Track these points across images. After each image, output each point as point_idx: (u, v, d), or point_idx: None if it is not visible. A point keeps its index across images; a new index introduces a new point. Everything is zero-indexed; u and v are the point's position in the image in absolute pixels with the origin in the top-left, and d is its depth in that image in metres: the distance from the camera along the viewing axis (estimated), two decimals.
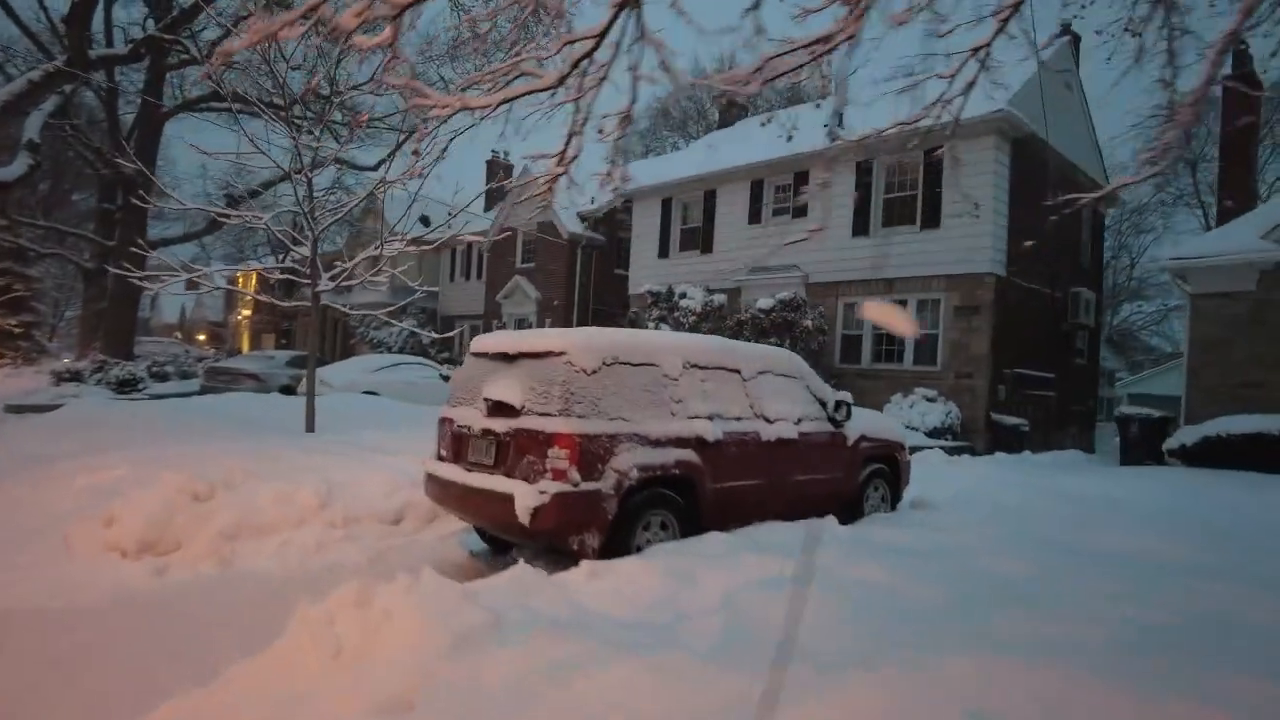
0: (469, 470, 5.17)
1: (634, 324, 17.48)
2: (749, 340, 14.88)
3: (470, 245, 28.19)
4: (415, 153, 3.53)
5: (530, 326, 24.66)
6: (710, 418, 5.47)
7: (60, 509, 6.27)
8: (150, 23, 21.16)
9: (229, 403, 12.99)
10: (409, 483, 6.64)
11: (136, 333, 26.21)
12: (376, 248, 9.42)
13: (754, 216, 18.05)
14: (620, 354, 5.11)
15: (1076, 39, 17.58)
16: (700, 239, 19.24)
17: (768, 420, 5.92)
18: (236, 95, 23.31)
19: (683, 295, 16.80)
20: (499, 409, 5.05)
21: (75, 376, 17.07)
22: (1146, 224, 41.14)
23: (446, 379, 18.11)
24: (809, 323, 14.73)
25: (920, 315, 15.42)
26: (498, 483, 4.85)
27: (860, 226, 16.21)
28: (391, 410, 13.54)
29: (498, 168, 30.68)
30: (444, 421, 5.66)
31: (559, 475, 4.63)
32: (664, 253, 20.10)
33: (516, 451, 4.87)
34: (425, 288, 10.33)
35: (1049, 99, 15.79)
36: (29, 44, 20.89)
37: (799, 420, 6.21)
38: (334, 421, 11.06)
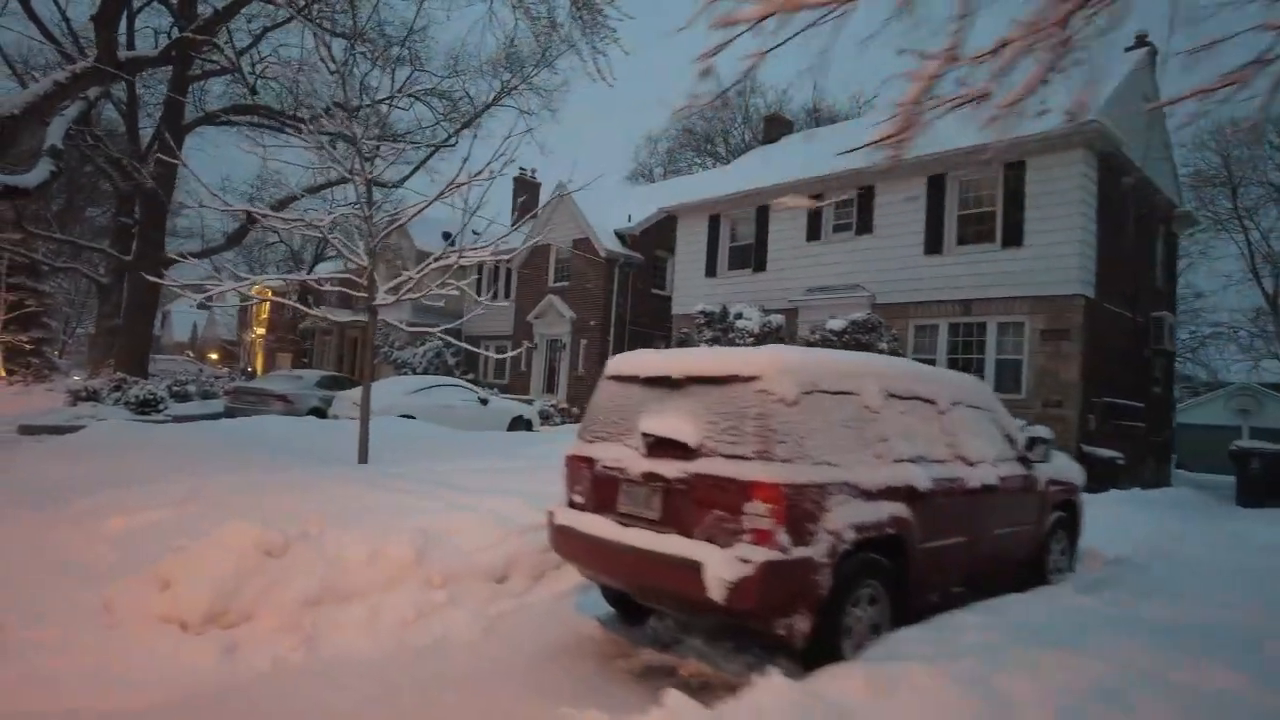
0: (624, 525, 4.07)
1: (684, 345, 16.41)
2: None
3: (498, 263, 27.24)
4: (707, 69, 2.47)
5: (564, 348, 23.62)
6: (915, 460, 4.38)
7: (93, 559, 5.19)
8: (175, 31, 20.42)
9: (262, 427, 11.93)
10: (511, 530, 5.56)
11: (151, 350, 25.26)
12: (449, 254, 8.39)
13: (813, 233, 17.03)
14: (818, 379, 4.03)
15: (1153, 50, 16.62)
16: (752, 257, 18.21)
17: (968, 463, 4.83)
18: (259, 107, 22.72)
19: (739, 315, 15.74)
20: (665, 448, 3.97)
21: (92, 396, 16.03)
22: (1181, 249, 40.12)
23: (485, 402, 17.05)
24: (884, 346, 13.63)
25: (1002, 339, 14.34)
26: (673, 544, 3.75)
27: (933, 244, 15.18)
28: (439, 437, 12.48)
29: (525, 185, 29.85)
30: (578, 461, 4.56)
31: (763, 538, 3.54)
32: (711, 271, 19.07)
33: (695, 504, 3.78)
34: (489, 303, 9.29)
35: (1127, 112, 14.80)
36: (50, 55, 20.17)
37: (995, 462, 5.12)
38: (381, 449, 9.97)
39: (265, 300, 9.16)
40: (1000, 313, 14.34)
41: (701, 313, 16.08)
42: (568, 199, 23.32)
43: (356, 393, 16.03)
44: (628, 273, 22.89)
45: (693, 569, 3.58)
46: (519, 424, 17.71)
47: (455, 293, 8.69)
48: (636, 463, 4.09)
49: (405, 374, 24.77)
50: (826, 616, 3.73)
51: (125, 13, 19.59)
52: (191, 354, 49.18)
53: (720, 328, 15.95)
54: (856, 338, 13.65)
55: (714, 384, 3.94)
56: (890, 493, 4.10)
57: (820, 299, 16.38)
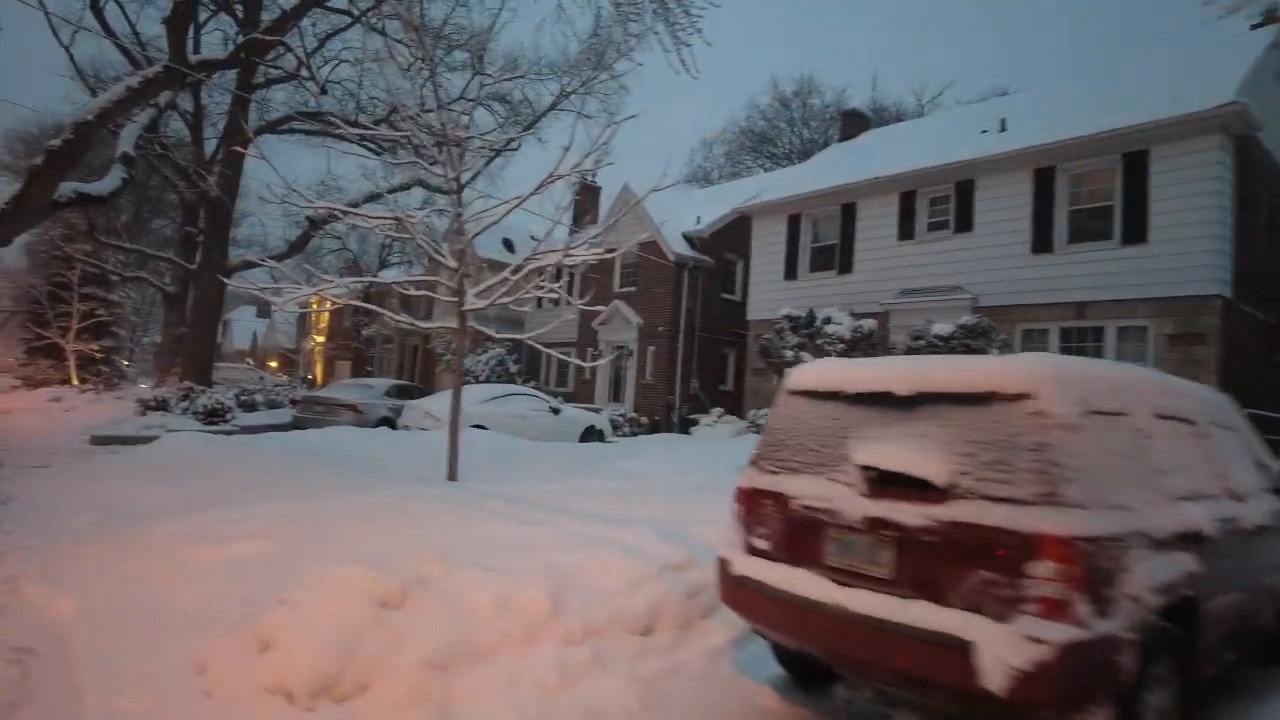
0: (839, 583, 3.20)
1: (766, 353, 15.51)
2: None
3: (560, 269, 26.65)
4: None
5: (630, 354, 22.86)
6: (1191, 498, 3.45)
7: (178, 601, 4.52)
8: (241, 39, 20.33)
9: (336, 439, 11.37)
10: (650, 570, 4.75)
11: (214, 358, 25.28)
12: (545, 255, 7.66)
13: (905, 232, 15.97)
14: (1092, 396, 3.13)
15: None
16: (837, 258, 17.21)
17: (1236, 498, 3.87)
18: (322, 113, 22.55)
19: (827, 320, 14.76)
20: (896, 486, 3.11)
21: (161, 405, 15.76)
22: None
23: (556, 412, 16.37)
24: (996, 351, 12.54)
25: (1122, 345, 13.12)
26: (921, 614, 2.88)
27: (1041, 242, 14.01)
28: (520, 449, 11.80)
29: (584, 189, 29.29)
30: (760, 497, 3.72)
31: (1056, 610, 2.65)
32: (791, 274, 18.10)
33: (950, 562, 2.90)
34: (583, 304, 8.59)
35: (1264, 93, 13.47)
36: (121, 69, 20.29)
37: (1257, 495, 4.15)
38: (465, 464, 9.24)
39: (355, 305, 8.52)
40: (1120, 316, 13.13)
41: (786, 317, 15.14)
42: (631, 200, 22.61)
43: (427, 402, 15.51)
44: (697, 276, 22.05)
45: (956, 650, 2.72)
46: (591, 434, 17.00)
47: (554, 294, 7.97)
48: (854, 504, 3.23)
49: (469, 382, 24.31)
50: (1124, 706, 2.83)
51: (192, 24, 19.57)
52: (252, 361, 49.78)
53: (806, 333, 15.01)
54: (965, 343, 12.58)
55: (962, 402, 3.06)
56: (1180, 541, 3.19)
57: (915, 302, 15.33)
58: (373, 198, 24.79)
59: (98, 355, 26.69)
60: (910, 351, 13.03)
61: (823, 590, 3.22)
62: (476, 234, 7.90)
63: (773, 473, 3.68)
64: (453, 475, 8.17)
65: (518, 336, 8.99)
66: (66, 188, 14.45)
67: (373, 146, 24.62)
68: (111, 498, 7.61)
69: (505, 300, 8.14)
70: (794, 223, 18.11)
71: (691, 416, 20.78)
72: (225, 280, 8.61)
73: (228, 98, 24.67)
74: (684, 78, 12.82)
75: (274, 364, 47.81)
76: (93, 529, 6.43)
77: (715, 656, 4.38)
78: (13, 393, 26.23)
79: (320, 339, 40.40)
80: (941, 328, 12.85)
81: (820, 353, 14.68)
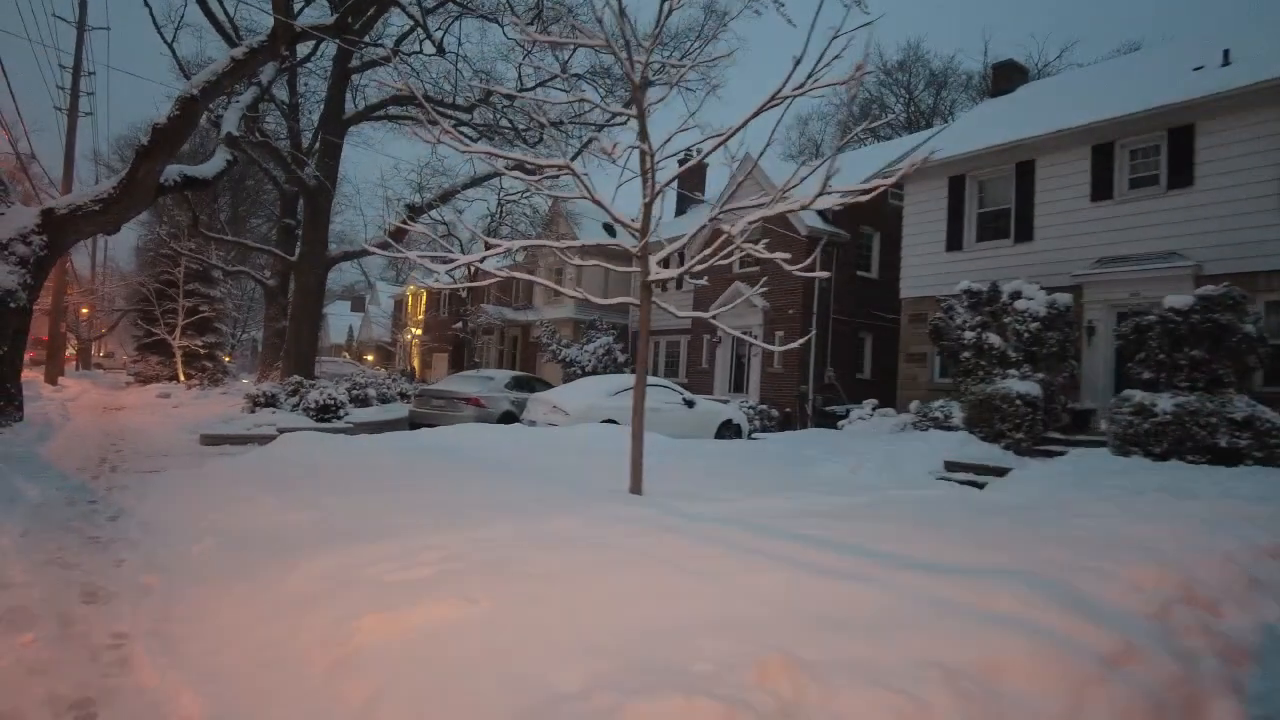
0: None
1: (940, 335, 13.44)
2: (1157, 356, 10.53)
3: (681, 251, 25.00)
4: None
5: (756, 340, 21.01)
6: None
7: (355, 710, 2.96)
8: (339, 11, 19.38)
9: (469, 440, 9.96)
10: (1084, 663, 2.96)
11: (317, 352, 24.67)
12: (751, 204, 5.98)
13: (1100, 191, 13.61)
14: None
15: None
16: (1013, 224, 14.94)
17: None
18: (427, 96, 21.53)
19: (1016, 295, 12.60)
20: None
21: (270, 401, 14.80)
22: None
23: (690, 405, 14.72)
24: (1250, 328, 10.21)
25: None
26: None
27: None
28: (680, 450, 10.22)
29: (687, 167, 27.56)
30: None
31: None
32: (955, 244, 15.90)
33: None
34: (799, 269, 6.86)
35: None
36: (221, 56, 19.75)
37: None
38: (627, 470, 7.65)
39: (510, 277, 7.00)
40: None
41: (966, 292, 13.03)
42: (756, 171, 20.71)
43: (553, 395, 14.07)
44: (831, 253, 19.99)
45: None
46: (727, 429, 15.31)
47: (762, 256, 6.29)
48: None
49: (575, 375, 22.92)
50: None
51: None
52: (347, 355, 49.99)
53: (989, 310, 12.88)
54: (1210, 318, 10.27)
55: None
56: None
57: (1118, 272, 12.99)
58: (475, 182, 23.78)
59: (202, 351, 26.53)
60: (1138, 330, 10.78)
61: None
62: (666, 183, 6.28)
63: None
64: (636, 487, 6.57)
65: (700, 315, 7.37)
66: (172, 170, 13.58)
67: (469, 133, 23.70)
68: (234, 516, 6.28)
69: (700, 269, 6.50)
70: (956, 186, 15.88)
71: (828, 409, 18.82)
72: (376, 251, 7.22)
73: (323, 87, 24.11)
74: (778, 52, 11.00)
75: (369, 357, 47.81)
76: (217, 563, 5.05)
77: None
78: (127, 389, 26.35)
79: (417, 331, 39.93)
80: (1178, 300, 10.54)
81: (1007, 334, 12.58)
